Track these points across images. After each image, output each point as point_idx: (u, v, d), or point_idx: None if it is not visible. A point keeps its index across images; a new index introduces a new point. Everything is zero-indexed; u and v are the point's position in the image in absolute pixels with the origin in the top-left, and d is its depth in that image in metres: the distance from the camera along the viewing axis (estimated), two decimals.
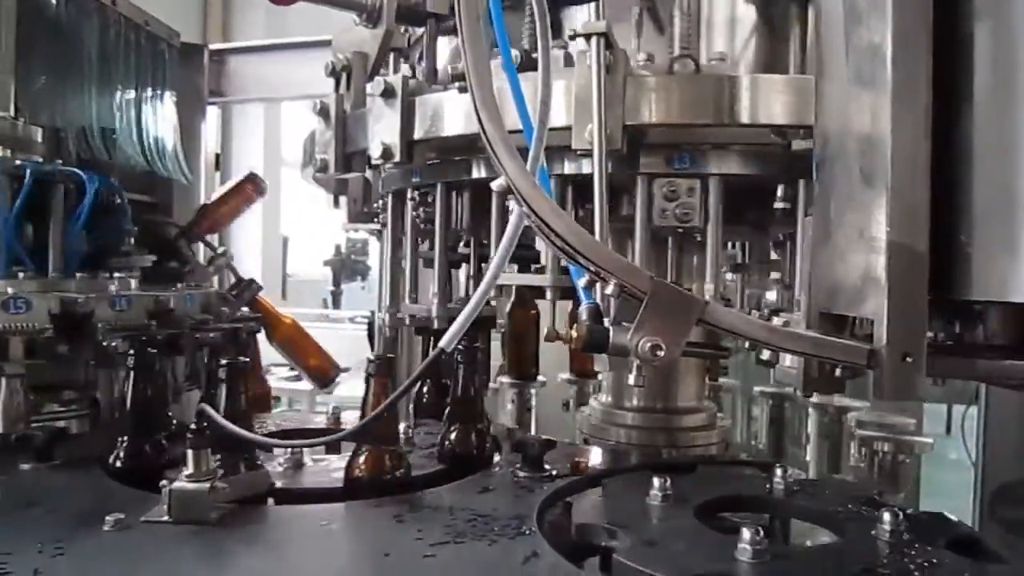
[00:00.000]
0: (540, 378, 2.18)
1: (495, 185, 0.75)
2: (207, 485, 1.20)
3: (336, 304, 9.67)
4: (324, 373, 2.52)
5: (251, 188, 2.55)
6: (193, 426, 1.22)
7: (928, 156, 0.70)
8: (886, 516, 1.00)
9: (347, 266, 9.99)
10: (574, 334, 0.76)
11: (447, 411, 1.49)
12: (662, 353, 0.69)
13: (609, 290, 0.71)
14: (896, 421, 1.93)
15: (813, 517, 1.20)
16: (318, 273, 10.15)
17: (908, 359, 0.70)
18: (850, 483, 1.89)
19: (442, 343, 1.06)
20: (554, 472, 1.47)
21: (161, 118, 2.52)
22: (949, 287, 0.73)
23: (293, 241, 9.48)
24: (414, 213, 1.67)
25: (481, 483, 1.42)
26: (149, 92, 2.48)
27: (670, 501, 1.24)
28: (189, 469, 1.21)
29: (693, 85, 1.28)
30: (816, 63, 0.89)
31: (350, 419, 1.70)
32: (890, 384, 0.70)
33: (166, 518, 1.19)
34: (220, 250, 2.50)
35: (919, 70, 0.70)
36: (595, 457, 1.64)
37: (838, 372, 0.81)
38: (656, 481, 1.25)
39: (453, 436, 1.47)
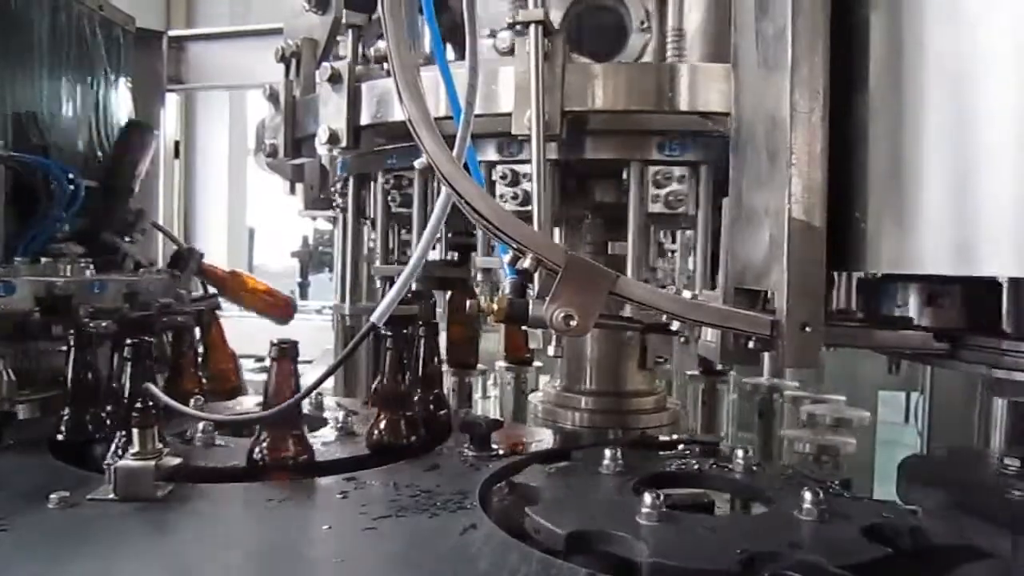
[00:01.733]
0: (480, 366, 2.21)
1: (417, 163, 0.78)
2: (152, 463, 1.21)
3: (304, 295, 9.62)
4: (282, 310, 2.54)
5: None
6: (138, 405, 1.24)
7: (826, 137, 0.75)
8: (807, 494, 1.06)
9: (315, 257, 9.93)
10: (495, 307, 0.80)
11: (374, 398, 1.49)
12: (575, 323, 0.73)
13: (526, 263, 0.75)
14: (840, 409, 1.99)
15: (738, 490, 1.27)
16: (285, 265, 10.09)
17: (807, 328, 0.74)
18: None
19: (373, 317, 1.09)
20: (501, 451, 1.51)
21: (116, 104, 2.50)
22: (847, 261, 0.77)
23: (259, 232, 9.39)
24: (389, 196, 1.64)
25: (429, 461, 1.46)
26: (103, 77, 2.46)
27: (611, 475, 1.30)
28: (134, 447, 1.23)
29: (631, 73, 1.32)
30: (732, 52, 0.93)
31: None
32: (791, 352, 0.74)
33: (111, 496, 1.21)
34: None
35: (817, 54, 0.74)
36: (541, 438, 1.68)
37: (751, 345, 0.85)
38: (599, 458, 1.30)
39: (382, 424, 1.45)
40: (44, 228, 1.93)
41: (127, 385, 1.35)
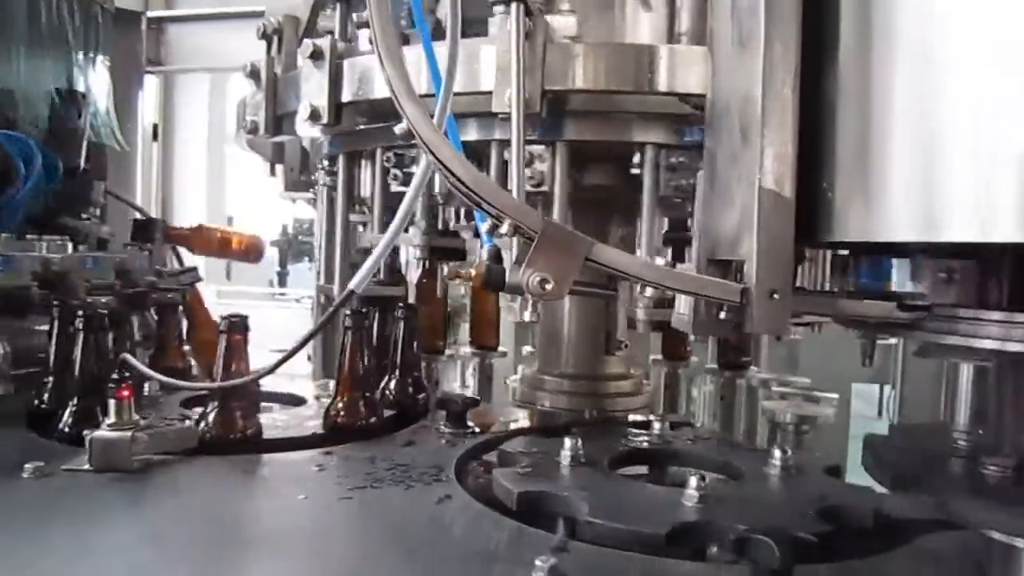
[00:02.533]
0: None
1: (397, 129, 0.79)
2: (128, 434, 1.22)
3: (283, 284, 9.57)
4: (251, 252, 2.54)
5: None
6: (115, 375, 1.24)
7: (796, 110, 0.77)
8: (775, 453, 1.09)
9: (294, 247, 9.87)
10: (473, 272, 0.81)
11: (336, 379, 1.48)
12: (550, 287, 0.74)
13: (503, 229, 0.76)
14: (806, 393, 2.03)
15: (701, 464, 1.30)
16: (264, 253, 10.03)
17: (775, 296, 0.76)
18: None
19: (351, 284, 1.10)
20: (477, 429, 1.53)
21: (93, 83, 2.48)
22: (816, 231, 0.79)
23: (238, 221, 9.33)
24: (390, 175, 1.63)
25: (405, 438, 1.47)
26: (81, 56, 2.44)
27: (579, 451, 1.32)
28: (111, 418, 1.23)
29: (612, 53, 1.33)
30: (709, 35, 0.95)
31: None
32: (759, 319, 0.76)
33: (87, 466, 1.21)
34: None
35: (789, 28, 0.76)
36: (518, 417, 1.70)
37: (723, 315, 0.87)
38: (568, 439, 1.32)
39: (340, 404, 1.44)
40: (13, 205, 1.92)
41: (78, 357, 1.36)
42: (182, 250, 2.53)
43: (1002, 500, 0.81)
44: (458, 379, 2.40)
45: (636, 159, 1.37)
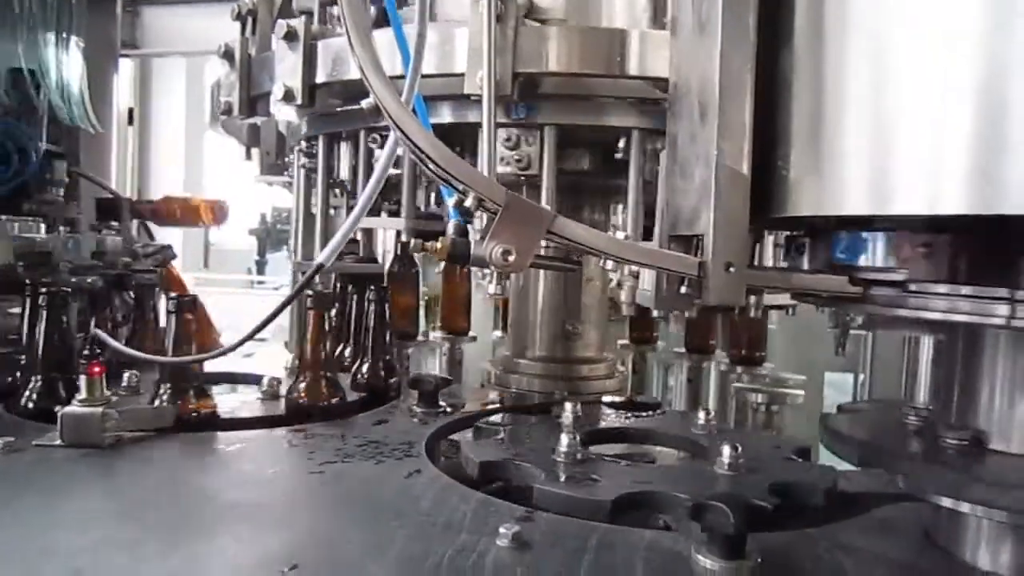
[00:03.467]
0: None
1: (364, 104, 0.81)
2: (99, 410, 1.22)
3: (261, 272, 9.54)
4: (214, 212, 2.54)
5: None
6: (86, 352, 1.24)
7: (751, 89, 0.79)
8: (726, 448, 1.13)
9: (272, 235, 9.83)
10: (438, 246, 0.83)
11: (298, 359, 1.49)
12: (512, 258, 0.76)
13: (468, 202, 0.78)
14: (777, 377, 2.07)
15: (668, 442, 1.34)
16: (243, 242, 9.96)
17: (731, 269, 0.79)
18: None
19: (320, 258, 1.11)
20: (448, 408, 1.55)
21: (66, 64, 2.46)
22: (771, 207, 0.82)
23: None
24: (373, 156, 1.63)
25: (377, 417, 1.49)
26: (53, 36, 2.41)
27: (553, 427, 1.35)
28: (82, 394, 1.23)
29: (583, 36, 1.35)
30: (671, 22, 0.97)
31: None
32: (715, 290, 0.78)
33: (58, 442, 1.21)
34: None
35: (745, 12, 0.78)
36: (492, 397, 1.72)
37: (684, 290, 0.90)
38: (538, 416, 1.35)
39: (301, 385, 1.45)
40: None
41: (41, 334, 1.37)
42: (153, 227, 2.52)
43: (950, 469, 0.84)
44: (427, 365, 2.42)
45: (621, 144, 1.39)
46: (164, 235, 2.66)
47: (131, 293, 1.87)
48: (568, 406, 1.30)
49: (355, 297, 1.72)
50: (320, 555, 0.86)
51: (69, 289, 1.40)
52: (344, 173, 1.71)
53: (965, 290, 0.77)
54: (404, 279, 2.01)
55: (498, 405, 1.63)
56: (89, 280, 1.68)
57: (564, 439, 1.08)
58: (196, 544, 0.88)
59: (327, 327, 1.47)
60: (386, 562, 0.84)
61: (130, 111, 4.00)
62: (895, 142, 0.74)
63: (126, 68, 3.75)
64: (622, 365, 2.16)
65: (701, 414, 1.38)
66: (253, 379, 1.68)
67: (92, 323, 1.54)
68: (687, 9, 0.90)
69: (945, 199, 0.71)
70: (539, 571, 0.83)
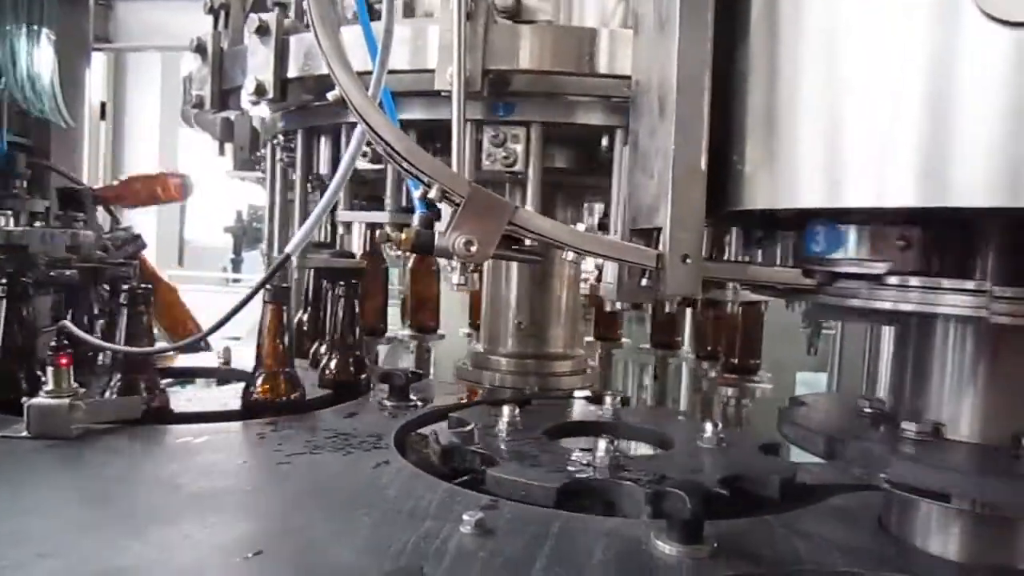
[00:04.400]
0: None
1: (331, 96, 0.82)
2: (67, 401, 1.22)
3: (237, 270, 9.45)
4: (177, 189, 2.52)
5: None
6: (53, 343, 1.24)
7: (708, 86, 0.81)
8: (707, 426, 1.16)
9: (249, 233, 9.73)
10: (403, 236, 0.84)
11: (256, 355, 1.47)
12: (475, 249, 0.78)
13: (432, 194, 0.79)
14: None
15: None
16: (218, 240, 9.86)
17: (688, 260, 0.81)
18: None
19: (287, 248, 1.12)
20: (419, 403, 1.56)
21: (36, 57, 2.44)
22: (728, 200, 0.84)
23: (191, 205, 9.17)
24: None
25: (347, 410, 1.49)
26: (24, 28, 2.39)
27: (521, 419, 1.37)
28: (49, 385, 1.23)
29: (553, 35, 1.37)
30: (634, 17, 1.00)
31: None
32: (671, 281, 0.81)
33: (24, 433, 1.21)
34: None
35: (703, 12, 0.80)
36: (461, 391, 1.74)
37: (644, 281, 0.92)
38: (506, 408, 1.36)
39: (259, 380, 1.44)
40: None
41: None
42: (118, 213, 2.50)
43: (900, 456, 0.87)
44: (401, 362, 2.43)
45: (604, 142, 1.41)
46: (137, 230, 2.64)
47: (106, 287, 1.87)
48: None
49: (330, 293, 1.73)
50: (285, 541, 0.87)
51: (30, 280, 1.39)
52: (324, 168, 1.72)
53: (914, 281, 0.80)
54: (372, 275, 2.02)
55: (468, 400, 1.65)
56: (67, 273, 1.67)
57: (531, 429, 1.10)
58: (162, 530, 0.89)
59: (284, 321, 1.45)
60: (351, 548, 0.85)
61: (102, 105, 3.95)
62: (847, 138, 0.77)
63: (99, 62, 3.71)
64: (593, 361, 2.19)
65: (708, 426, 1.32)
66: (238, 374, 1.68)
67: (69, 316, 1.53)
68: (649, 7, 0.93)
69: (894, 192, 0.74)
70: (501, 556, 0.84)
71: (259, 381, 1.43)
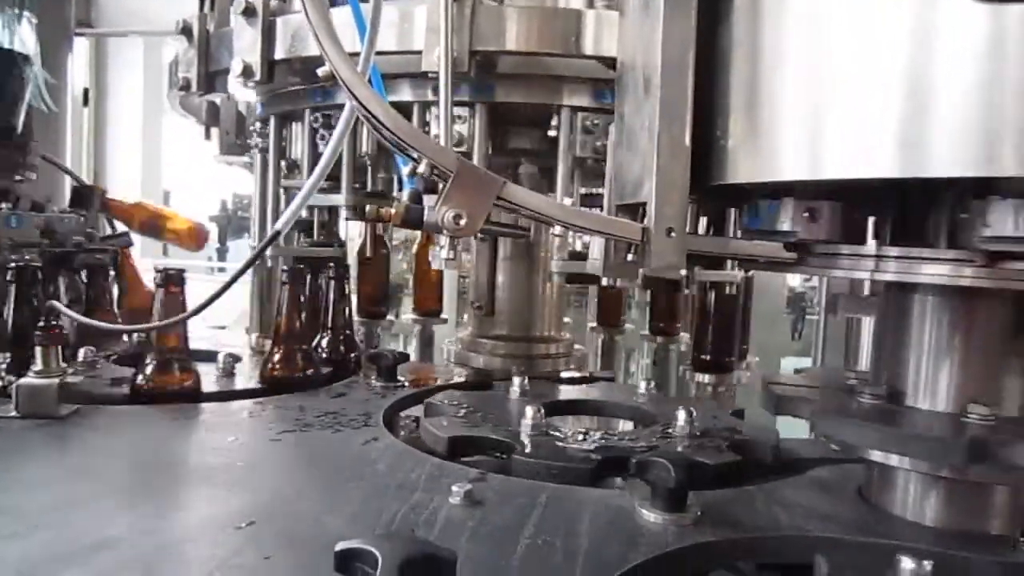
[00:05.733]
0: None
1: (321, 72, 0.83)
2: (55, 381, 1.22)
3: (222, 259, 9.41)
4: (194, 238, 2.51)
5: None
6: (41, 324, 1.24)
7: (692, 65, 0.83)
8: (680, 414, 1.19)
9: (233, 222, 9.68)
10: (393, 211, 0.85)
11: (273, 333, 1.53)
12: (463, 222, 0.79)
13: (421, 168, 0.80)
14: None
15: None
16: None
17: (672, 234, 0.83)
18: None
19: (276, 225, 1.13)
20: (406, 383, 1.58)
21: (18, 40, 2.41)
22: (710, 175, 0.86)
23: (176, 195, 9.11)
24: (318, 135, 1.63)
25: (336, 390, 1.51)
26: (5, 12, 2.37)
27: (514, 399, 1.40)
28: (38, 365, 1.23)
29: (538, 16, 1.38)
30: (619, 2, 1.01)
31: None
32: (657, 254, 0.82)
33: (13, 413, 1.21)
34: None
35: None
36: (449, 373, 1.76)
37: (630, 257, 0.94)
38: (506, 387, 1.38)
39: (276, 357, 1.49)
40: None
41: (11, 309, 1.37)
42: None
43: (874, 423, 0.89)
44: (400, 344, 2.44)
45: (554, 121, 1.42)
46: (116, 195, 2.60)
47: (82, 274, 1.85)
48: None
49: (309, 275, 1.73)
50: (277, 512, 0.88)
51: (39, 265, 1.39)
52: (297, 153, 1.73)
53: (894, 251, 0.83)
54: (374, 261, 2.04)
55: (457, 380, 1.66)
56: (27, 256, 1.64)
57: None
58: (153, 503, 0.90)
59: (302, 300, 1.50)
60: (341, 518, 0.86)
61: (85, 91, 3.91)
62: (828, 113, 0.78)
63: (81, 48, 3.67)
64: (580, 345, 2.21)
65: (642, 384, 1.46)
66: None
67: (34, 300, 1.51)
68: None
69: (876, 163, 0.76)
70: (489, 525, 0.86)
71: (277, 358, 1.48)
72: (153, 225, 2.46)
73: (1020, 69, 0.68)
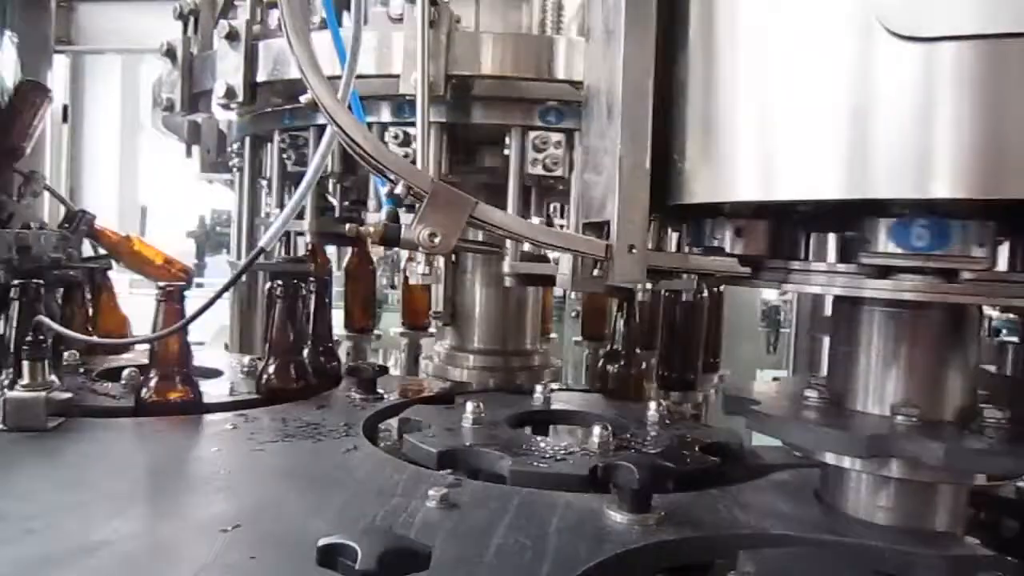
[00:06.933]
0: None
1: (303, 99, 0.88)
2: (42, 394, 1.25)
3: (200, 276, 9.37)
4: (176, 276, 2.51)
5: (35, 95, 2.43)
6: (29, 337, 1.27)
7: (651, 91, 0.89)
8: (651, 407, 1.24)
9: (211, 238, 9.66)
10: (372, 230, 0.90)
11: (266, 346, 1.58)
12: (438, 240, 0.84)
13: (398, 189, 0.86)
14: None
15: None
16: (181, 245, 9.76)
17: (634, 251, 0.88)
18: None
19: (261, 243, 1.17)
20: (386, 395, 1.62)
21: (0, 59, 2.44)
22: (669, 196, 0.92)
23: (153, 211, 9.06)
24: (285, 155, 1.69)
25: (317, 402, 1.54)
26: None
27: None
28: (25, 379, 1.26)
29: (512, 42, 1.45)
30: (586, 27, 1.07)
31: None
32: (619, 269, 0.88)
33: (1, 426, 1.24)
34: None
35: (647, 22, 0.88)
36: (428, 386, 1.80)
37: (596, 272, 0.99)
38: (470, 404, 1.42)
39: (271, 368, 1.53)
40: None
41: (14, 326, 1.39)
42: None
43: (801, 422, 0.96)
44: (384, 358, 2.46)
45: (507, 140, 1.48)
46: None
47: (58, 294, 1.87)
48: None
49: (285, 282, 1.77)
50: (261, 516, 0.92)
51: (41, 283, 1.42)
52: (268, 172, 1.78)
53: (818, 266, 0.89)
54: (360, 276, 2.08)
55: (434, 393, 1.71)
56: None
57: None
58: (141, 509, 0.94)
59: (297, 313, 1.55)
60: (323, 520, 0.91)
61: (64, 108, 3.92)
62: (778, 137, 0.85)
63: (59, 64, 3.69)
64: (557, 359, 2.26)
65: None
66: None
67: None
68: (598, 16, 1.00)
69: (823, 186, 0.82)
70: (464, 525, 0.91)
71: (271, 369, 1.53)
72: (135, 261, 2.47)
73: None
